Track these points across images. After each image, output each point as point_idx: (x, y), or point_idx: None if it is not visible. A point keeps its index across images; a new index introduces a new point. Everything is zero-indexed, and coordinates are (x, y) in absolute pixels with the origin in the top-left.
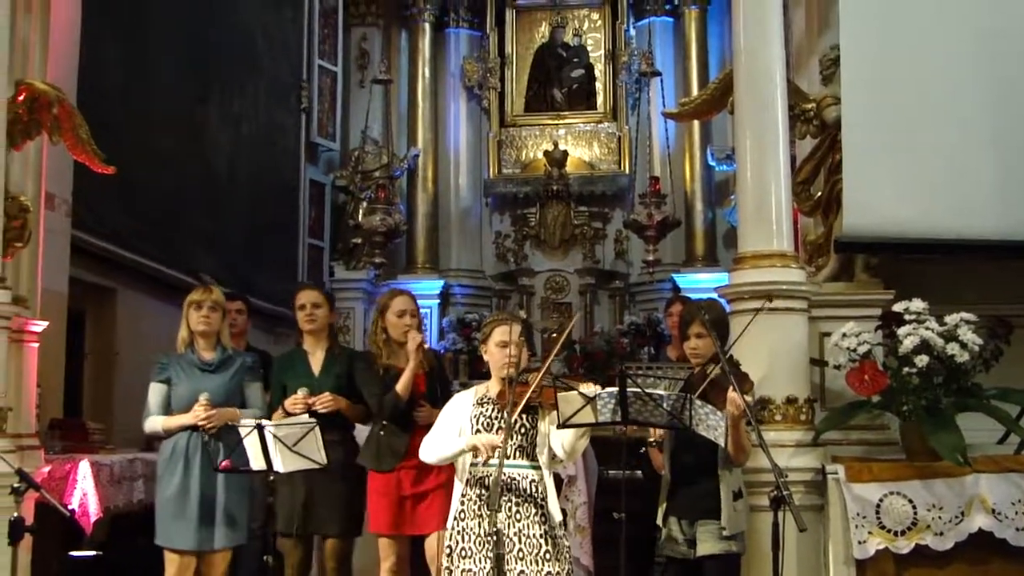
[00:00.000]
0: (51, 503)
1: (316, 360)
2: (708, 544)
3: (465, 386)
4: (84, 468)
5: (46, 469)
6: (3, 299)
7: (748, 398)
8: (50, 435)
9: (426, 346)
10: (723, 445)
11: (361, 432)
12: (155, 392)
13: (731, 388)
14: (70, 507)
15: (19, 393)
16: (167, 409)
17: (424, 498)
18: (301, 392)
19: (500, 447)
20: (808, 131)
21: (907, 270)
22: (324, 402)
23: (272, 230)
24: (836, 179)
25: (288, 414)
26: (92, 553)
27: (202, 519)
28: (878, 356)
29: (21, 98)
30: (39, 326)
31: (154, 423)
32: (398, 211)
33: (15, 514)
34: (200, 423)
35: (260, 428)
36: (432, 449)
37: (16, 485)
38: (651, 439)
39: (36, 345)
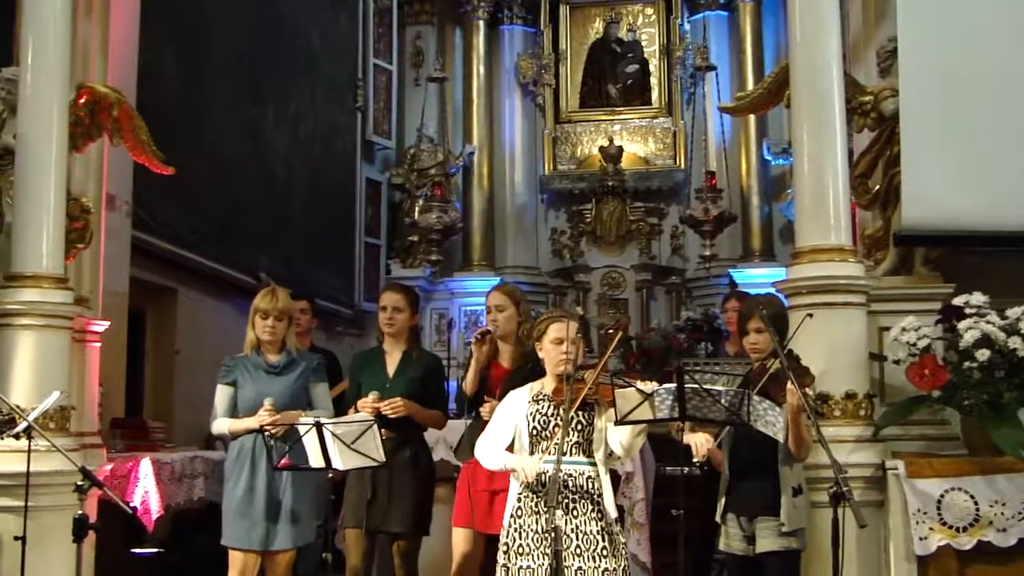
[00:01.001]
0: (114, 501)
1: (392, 361)
2: (768, 541)
3: None
4: (145, 466)
5: (108, 467)
6: (66, 300)
7: (809, 392)
8: (112, 434)
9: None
10: (781, 441)
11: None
12: (221, 394)
13: (790, 382)
14: (132, 505)
15: (82, 392)
16: (233, 411)
17: (496, 496)
18: (372, 396)
19: (557, 445)
20: (866, 124)
21: (967, 263)
22: (393, 407)
23: (329, 229)
24: (894, 172)
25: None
26: (154, 550)
27: (267, 519)
28: (938, 350)
29: (82, 101)
30: (101, 326)
31: (221, 425)
32: (454, 208)
33: (79, 512)
34: (266, 426)
35: (319, 426)
36: (482, 452)
37: (80, 483)
38: (695, 459)
39: (98, 345)
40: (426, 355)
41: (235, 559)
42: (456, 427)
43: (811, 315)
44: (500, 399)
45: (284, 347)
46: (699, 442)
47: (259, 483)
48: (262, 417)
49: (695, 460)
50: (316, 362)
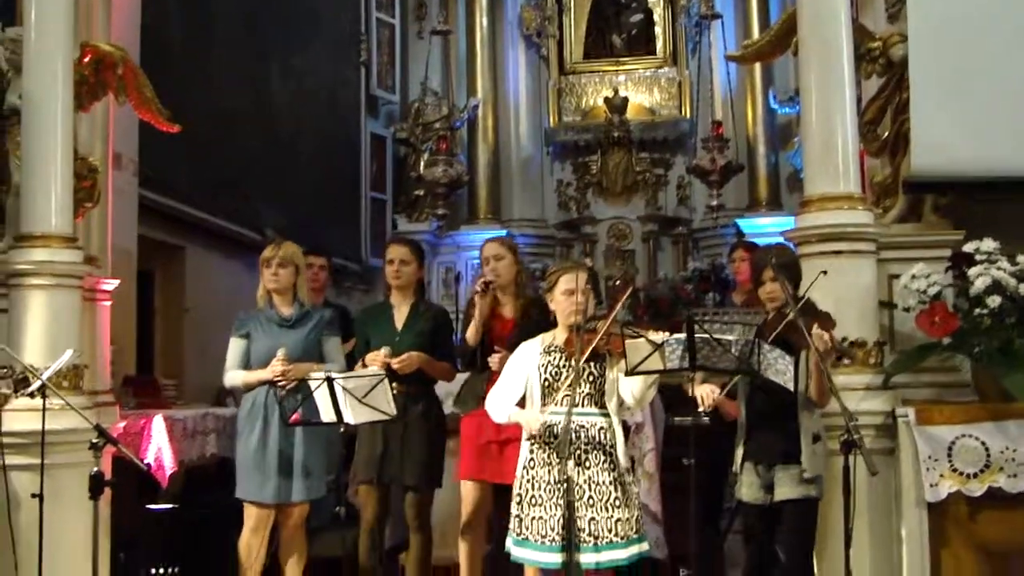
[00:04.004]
0: (128, 458)
1: (400, 315)
2: (787, 488)
3: None
4: (158, 423)
5: (121, 425)
6: (75, 259)
7: (833, 334)
8: (124, 392)
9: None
10: (792, 389)
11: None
12: (234, 347)
13: (816, 326)
14: (146, 461)
15: (93, 351)
16: (246, 364)
17: (507, 445)
18: (383, 351)
19: (568, 396)
20: (874, 70)
21: (977, 210)
22: (405, 362)
23: (335, 184)
24: (903, 119)
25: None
26: (168, 506)
27: (280, 473)
28: (948, 298)
29: (87, 59)
30: (111, 284)
31: (234, 378)
32: (459, 162)
33: (95, 468)
34: (277, 378)
35: (330, 380)
36: (493, 406)
37: (94, 440)
38: (700, 409)
39: (108, 303)
40: (434, 307)
41: (250, 512)
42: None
43: (825, 272)
44: (510, 349)
45: (296, 300)
46: (704, 393)
47: (271, 437)
48: (275, 368)
49: (700, 410)
50: (330, 315)
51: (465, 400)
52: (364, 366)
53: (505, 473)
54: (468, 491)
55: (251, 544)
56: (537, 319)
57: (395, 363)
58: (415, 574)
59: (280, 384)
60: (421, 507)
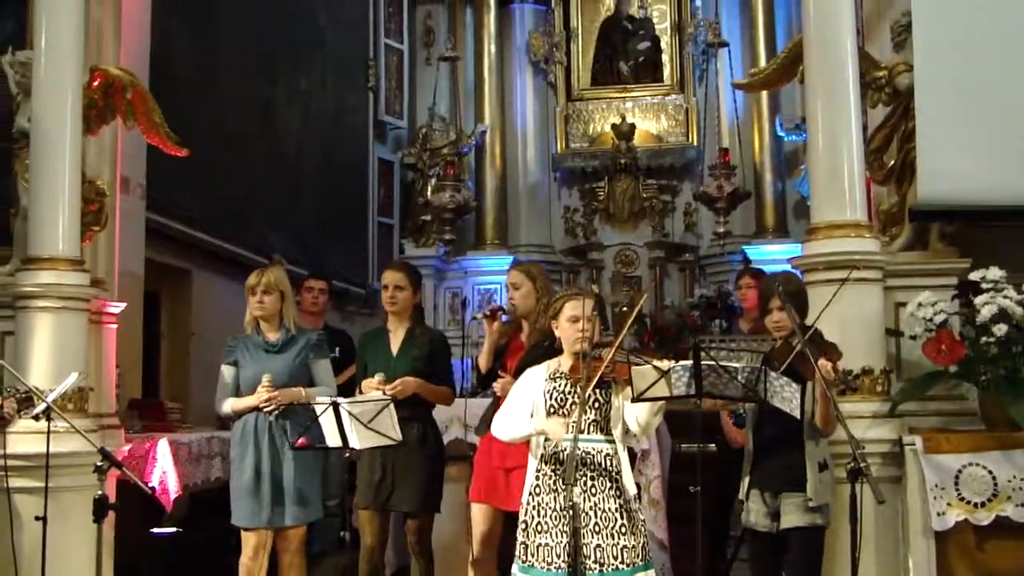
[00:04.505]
0: (133, 481)
1: (396, 340)
2: (793, 516)
3: None
4: (163, 447)
5: (126, 448)
6: (82, 282)
7: (840, 367)
8: (129, 415)
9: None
10: (798, 417)
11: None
12: (225, 375)
13: (822, 357)
14: (150, 485)
15: (99, 374)
16: (237, 390)
17: (513, 472)
18: (377, 377)
19: (574, 423)
20: (880, 99)
21: (983, 238)
22: (395, 389)
23: (342, 209)
24: (909, 147)
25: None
26: (173, 530)
27: (274, 498)
28: (955, 326)
29: (96, 84)
30: (117, 308)
31: (225, 406)
32: (466, 188)
33: (99, 492)
34: (264, 404)
35: (336, 405)
36: (502, 427)
37: (99, 463)
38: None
39: (115, 326)
40: (430, 332)
41: (247, 538)
42: (470, 405)
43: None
44: (515, 375)
45: (283, 325)
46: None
47: (264, 462)
48: (260, 394)
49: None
50: (316, 338)
51: (483, 425)
52: (361, 392)
53: (512, 500)
54: (477, 515)
55: (251, 569)
56: (547, 347)
57: (388, 389)
58: None
59: (268, 410)
60: (421, 532)
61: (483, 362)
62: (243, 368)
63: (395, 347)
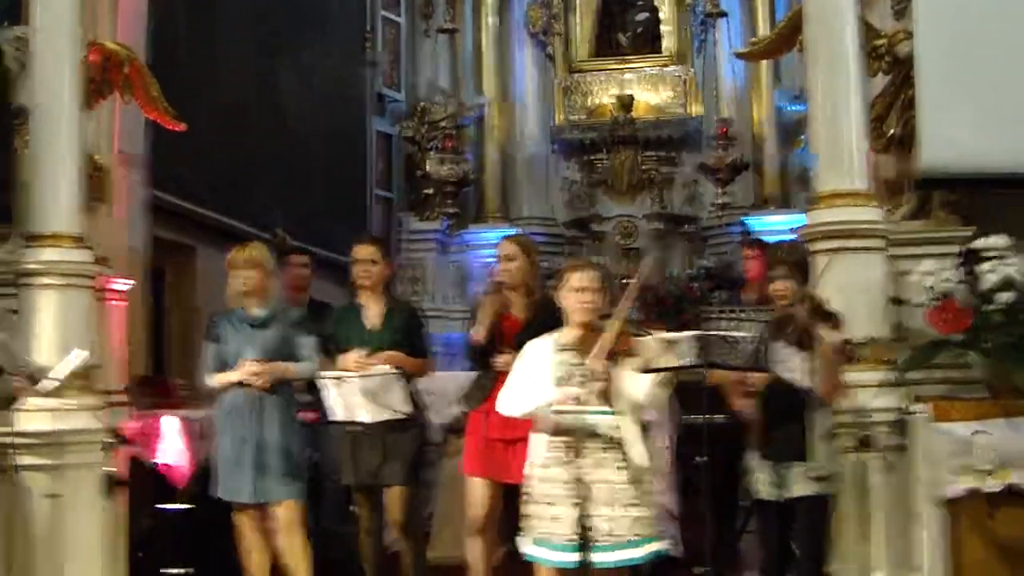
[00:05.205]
0: (141, 458)
1: (372, 315)
2: (799, 486)
3: None
4: (172, 423)
5: (135, 425)
6: (86, 258)
7: (840, 335)
8: (137, 392)
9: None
10: (800, 386)
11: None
12: (208, 351)
13: (828, 327)
14: (160, 462)
15: (105, 351)
16: (222, 366)
17: (514, 445)
18: (356, 352)
19: (580, 394)
20: (880, 68)
21: (986, 205)
22: (382, 360)
23: (342, 182)
24: (909, 115)
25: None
26: (182, 506)
27: (258, 473)
28: (959, 294)
29: (93, 58)
30: (122, 284)
31: (210, 381)
32: (466, 160)
33: (109, 469)
34: (248, 380)
35: (343, 380)
36: (511, 402)
37: (108, 441)
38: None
39: (120, 303)
40: (404, 304)
41: (236, 513)
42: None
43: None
44: (517, 349)
45: (266, 300)
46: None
47: (248, 437)
48: (246, 369)
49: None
50: (298, 315)
51: (472, 396)
52: (340, 368)
53: (512, 472)
54: (474, 488)
55: (247, 542)
56: (545, 319)
57: (372, 362)
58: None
59: (256, 384)
60: (404, 505)
61: (482, 335)
62: (227, 343)
63: (371, 322)
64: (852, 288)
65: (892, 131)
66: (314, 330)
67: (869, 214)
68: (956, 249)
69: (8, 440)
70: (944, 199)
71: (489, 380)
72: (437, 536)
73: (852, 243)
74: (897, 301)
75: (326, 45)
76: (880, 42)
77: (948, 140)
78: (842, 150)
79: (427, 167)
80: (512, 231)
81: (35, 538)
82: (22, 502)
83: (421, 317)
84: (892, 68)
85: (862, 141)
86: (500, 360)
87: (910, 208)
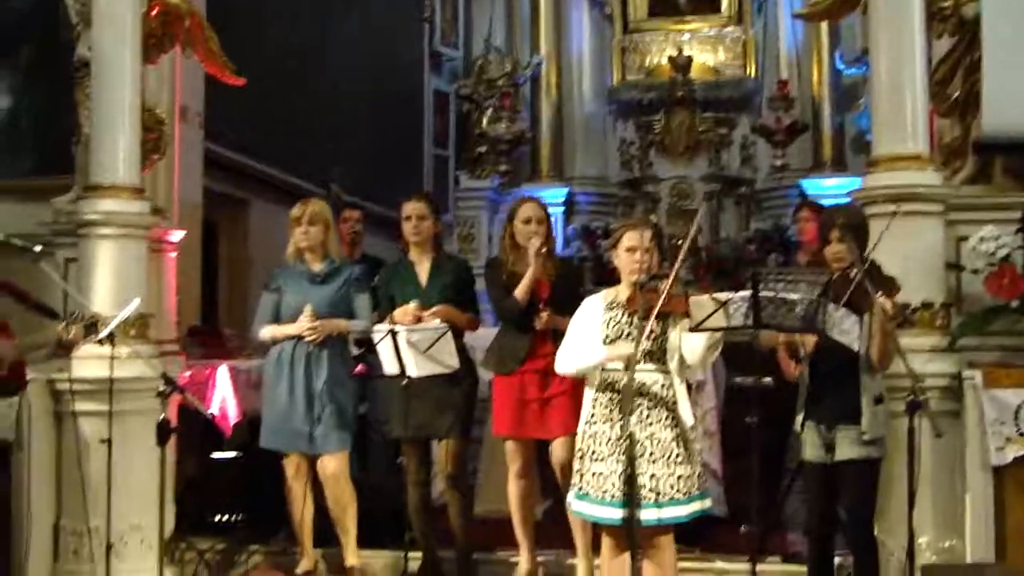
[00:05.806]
0: (194, 406)
1: (423, 270)
2: (847, 449)
3: (589, 294)
4: (223, 373)
5: (187, 374)
6: (143, 209)
7: (896, 300)
8: (189, 342)
9: (555, 254)
10: (856, 349)
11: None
12: (265, 302)
13: (880, 292)
14: (211, 411)
15: (160, 301)
16: (276, 318)
17: (549, 403)
18: (413, 304)
19: (630, 352)
20: (945, 30)
21: None
22: (435, 314)
23: (398, 140)
24: (974, 79)
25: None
26: (232, 454)
27: (307, 424)
28: (1018, 260)
29: (154, 13)
30: (177, 236)
31: (264, 332)
32: (522, 119)
33: (162, 416)
34: (305, 333)
35: (393, 333)
36: (569, 360)
37: (161, 388)
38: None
39: (174, 255)
40: (455, 260)
41: (286, 463)
42: None
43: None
44: (552, 308)
45: (327, 256)
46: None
47: (298, 388)
48: (302, 323)
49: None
50: (359, 272)
51: (504, 362)
52: (393, 322)
53: (550, 429)
54: (511, 450)
55: (295, 491)
56: (569, 277)
57: (427, 315)
58: (457, 527)
59: (310, 339)
60: (455, 457)
61: (522, 294)
62: (286, 296)
63: (423, 278)
64: (909, 252)
65: (955, 94)
66: (369, 287)
67: (928, 178)
68: (1016, 215)
69: (65, 387)
70: (1005, 165)
71: (524, 344)
72: (482, 490)
73: (910, 207)
74: (954, 266)
75: (383, 1)
76: (946, 4)
77: (1011, 104)
78: (904, 112)
79: (483, 125)
80: (564, 190)
81: (90, 481)
82: (78, 446)
83: (472, 273)
84: (957, 30)
85: (924, 104)
86: (541, 318)
87: (969, 173)
